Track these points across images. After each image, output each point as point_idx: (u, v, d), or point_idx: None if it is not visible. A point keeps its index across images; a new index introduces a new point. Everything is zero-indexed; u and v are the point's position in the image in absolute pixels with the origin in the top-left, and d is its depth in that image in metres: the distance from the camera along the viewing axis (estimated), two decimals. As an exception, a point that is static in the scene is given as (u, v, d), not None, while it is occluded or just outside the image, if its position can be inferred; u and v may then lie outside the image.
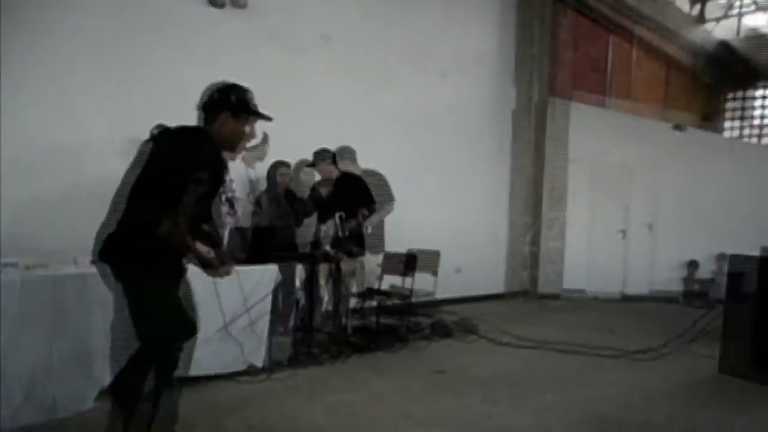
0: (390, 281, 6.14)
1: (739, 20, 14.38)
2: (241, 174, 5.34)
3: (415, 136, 7.73)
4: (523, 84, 9.14)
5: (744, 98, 14.77)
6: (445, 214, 7.99)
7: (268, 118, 3.03)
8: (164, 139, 2.99)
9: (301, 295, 5.44)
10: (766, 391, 4.64)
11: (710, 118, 14.59)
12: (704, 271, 9.92)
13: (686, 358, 5.51)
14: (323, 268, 5.34)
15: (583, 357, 5.53)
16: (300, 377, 4.48)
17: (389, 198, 5.97)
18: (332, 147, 5.87)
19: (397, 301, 5.85)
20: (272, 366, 4.54)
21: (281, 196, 5.56)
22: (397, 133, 7.49)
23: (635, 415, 4.01)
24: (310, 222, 5.80)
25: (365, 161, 6.33)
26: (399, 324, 6.02)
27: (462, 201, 8.36)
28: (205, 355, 4.13)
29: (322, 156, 5.74)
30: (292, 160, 5.82)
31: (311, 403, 3.94)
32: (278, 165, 5.63)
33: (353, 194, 5.63)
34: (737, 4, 13.98)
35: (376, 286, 5.98)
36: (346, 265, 5.42)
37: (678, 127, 10.36)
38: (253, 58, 6.06)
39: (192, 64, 5.56)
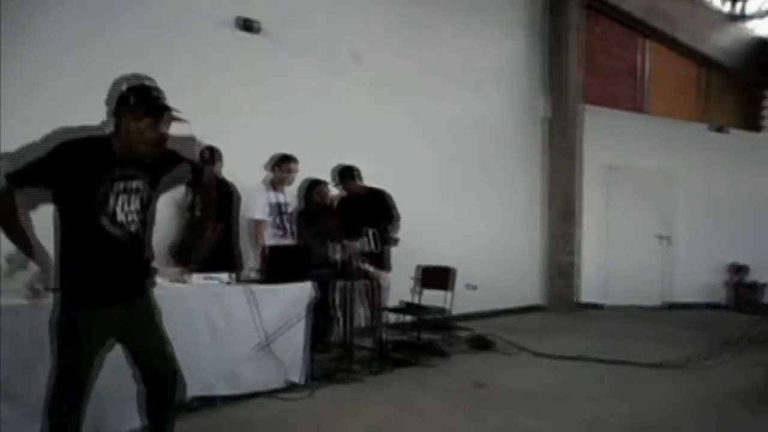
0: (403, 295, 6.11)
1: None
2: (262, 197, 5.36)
3: (448, 147, 7.72)
4: (555, 92, 9.04)
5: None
6: (479, 225, 7.95)
7: (177, 117, 2.60)
8: None
9: (338, 312, 5.45)
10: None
11: (752, 118, 14.21)
12: (753, 276, 9.60)
13: (738, 366, 5.32)
14: (359, 285, 5.32)
15: (629, 367, 5.38)
16: (341, 393, 4.47)
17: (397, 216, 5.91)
18: (359, 162, 5.88)
19: (435, 316, 5.80)
20: (313, 383, 4.54)
21: (319, 214, 5.59)
22: (429, 146, 7.49)
23: (685, 426, 3.89)
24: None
25: (396, 173, 6.37)
26: (438, 338, 5.96)
27: (496, 211, 8.29)
28: (246, 372, 4.17)
29: (350, 174, 5.72)
30: (326, 177, 5.85)
31: (353, 420, 3.92)
32: (315, 184, 5.68)
33: (379, 209, 5.65)
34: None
35: (413, 301, 5.96)
36: (384, 281, 5.42)
37: (719, 129, 10.10)
38: (283, 79, 6.15)
39: (223, 88, 5.66)
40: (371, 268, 5.35)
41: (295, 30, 6.28)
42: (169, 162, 2.78)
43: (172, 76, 5.29)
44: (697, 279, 9.46)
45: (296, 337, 4.48)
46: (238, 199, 5.08)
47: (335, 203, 5.91)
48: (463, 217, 7.73)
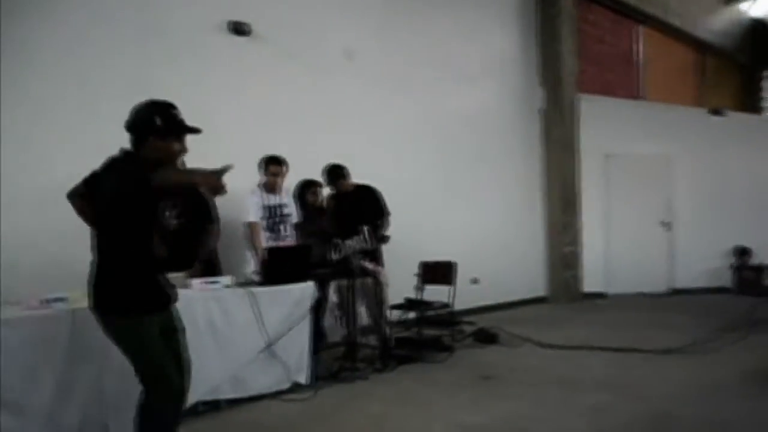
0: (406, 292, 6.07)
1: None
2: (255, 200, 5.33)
3: (446, 142, 7.73)
4: (549, 82, 9.03)
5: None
6: (480, 218, 7.95)
7: (197, 131, 2.85)
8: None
9: (338, 311, 5.46)
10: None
11: (750, 100, 14.19)
12: (757, 259, 9.57)
13: (744, 349, 5.32)
14: (361, 282, 5.32)
15: (634, 354, 5.38)
16: (346, 392, 4.48)
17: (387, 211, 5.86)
18: (357, 161, 5.86)
19: (438, 311, 5.80)
20: (317, 383, 4.55)
21: (315, 215, 5.59)
22: (427, 141, 7.50)
23: (691, 411, 3.87)
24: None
25: (396, 170, 6.36)
26: (442, 333, 5.96)
27: (495, 204, 8.30)
28: (251, 375, 4.19)
29: (341, 173, 5.71)
30: (318, 178, 5.81)
31: (359, 418, 3.92)
32: (309, 185, 5.67)
33: (370, 205, 5.64)
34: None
35: (416, 297, 5.96)
36: (383, 277, 5.42)
37: (716, 112, 10.07)
38: (276, 82, 6.15)
39: (217, 91, 5.68)
40: (371, 265, 5.35)
41: (286, 31, 6.27)
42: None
43: (164, 81, 5.36)
44: (700, 264, 9.43)
45: (300, 337, 4.50)
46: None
47: (326, 203, 5.88)
48: (463, 212, 7.73)
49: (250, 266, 5.19)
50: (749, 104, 13.95)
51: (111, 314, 2.69)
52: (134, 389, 3.60)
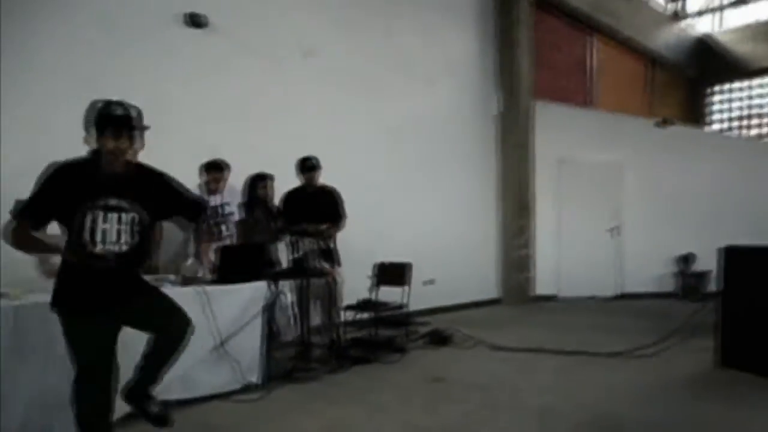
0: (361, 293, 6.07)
1: (721, 13, 14.56)
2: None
3: (402, 143, 7.76)
4: (506, 87, 9.17)
5: (731, 90, 14.88)
6: (433, 220, 8.01)
7: (133, 127, 2.84)
8: None
9: (292, 311, 5.40)
10: (765, 382, 4.62)
11: (695, 113, 14.72)
12: (700, 265, 9.92)
13: (685, 352, 5.49)
14: (314, 282, 5.27)
15: (582, 357, 5.50)
16: (298, 393, 4.44)
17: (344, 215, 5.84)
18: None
19: (393, 312, 5.80)
20: (269, 383, 4.49)
21: (260, 211, 5.51)
22: (383, 141, 7.51)
23: (636, 413, 3.98)
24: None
25: (351, 170, 6.34)
26: (396, 334, 5.97)
27: (451, 206, 8.38)
28: (200, 375, 4.10)
29: (316, 165, 5.61)
30: (275, 172, 5.72)
31: (310, 419, 3.89)
32: (259, 178, 5.54)
33: (328, 206, 5.60)
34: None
35: (370, 297, 5.96)
36: (338, 276, 5.39)
37: (663, 123, 10.41)
38: (233, 75, 6.07)
39: (173, 83, 5.56)
40: (326, 265, 5.31)
41: (243, 24, 6.21)
42: (157, 184, 3.05)
43: (119, 73, 5.23)
44: (647, 269, 9.76)
45: (252, 337, 4.43)
46: None
47: (274, 199, 5.77)
48: (418, 213, 7.78)
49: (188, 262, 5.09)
50: (693, 117, 14.48)
51: None
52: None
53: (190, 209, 3.32)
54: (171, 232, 5.00)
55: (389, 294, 5.92)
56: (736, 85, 14.68)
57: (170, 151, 5.39)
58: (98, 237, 2.78)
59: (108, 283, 2.85)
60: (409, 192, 7.77)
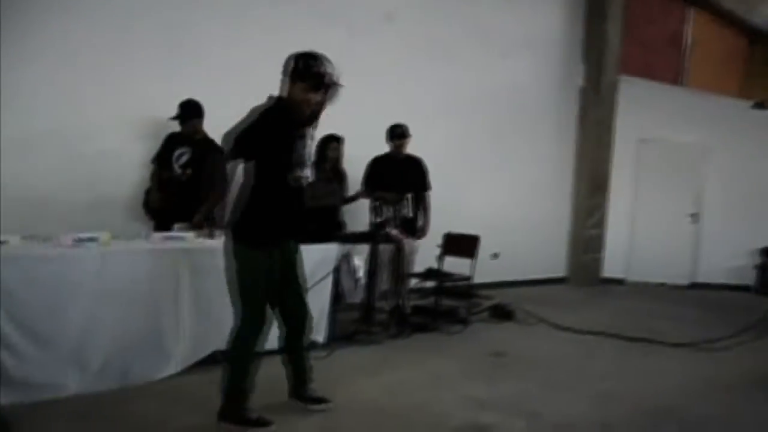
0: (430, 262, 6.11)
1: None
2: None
3: (478, 114, 7.64)
4: (592, 61, 8.83)
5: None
6: (506, 194, 7.91)
7: (333, 85, 3.15)
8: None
9: (362, 275, 5.50)
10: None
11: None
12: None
13: (757, 350, 5.30)
14: (384, 248, 5.35)
15: (646, 345, 5.40)
16: (360, 355, 4.57)
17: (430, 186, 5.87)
18: (386, 126, 5.81)
19: (457, 283, 5.84)
20: (332, 343, 4.63)
21: (329, 173, 5.58)
22: (460, 113, 7.42)
23: (697, 406, 3.91)
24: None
25: (427, 140, 6.31)
26: (459, 305, 6.01)
27: (524, 180, 8.23)
28: (270, 329, 4.25)
29: (406, 132, 5.63)
30: (349, 138, 5.76)
31: (371, 381, 4.01)
32: (330, 139, 5.55)
33: (416, 176, 5.66)
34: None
35: (437, 267, 6.00)
36: (408, 246, 5.44)
37: (760, 105, 9.77)
38: (313, 38, 6.08)
39: (250, 47, 5.65)
40: (395, 232, 5.37)
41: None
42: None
43: (200, 34, 5.37)
44: (724, 259, 9.28)
45: (320, 297, 4.55)
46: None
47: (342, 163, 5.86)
48: (490, 186, 7.70)
49: None
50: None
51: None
52: (155, 335, 3.75)
53: None
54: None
55: (455, 265, 5.95)
56: None
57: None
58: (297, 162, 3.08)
59: (291, 214, 3.22)
60: (483, 163, 7.68)
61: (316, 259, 4.52)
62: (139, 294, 3.70)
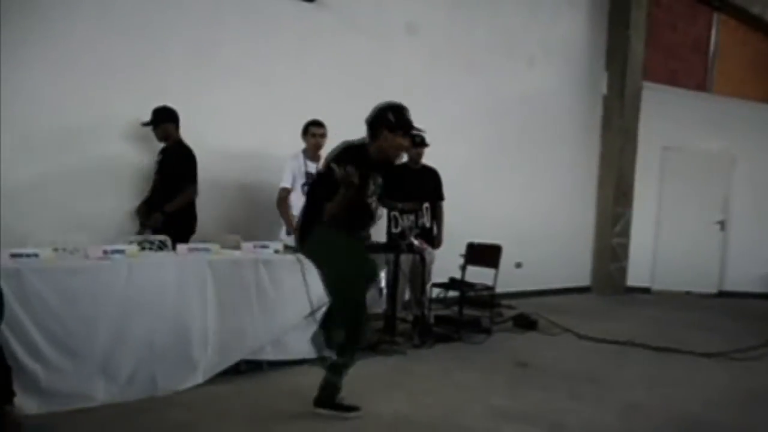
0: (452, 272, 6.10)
1: None
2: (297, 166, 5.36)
3: (500, 123, 7.63)
4: (615, 68, 8.77)
5: None
6: (530, 203, 7.88)
7: (419, 131, 3.76)
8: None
9: (384, 285, 5.51)
10: None
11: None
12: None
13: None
14: (405, 258, 5.36)
15: (674, 355, 5.32)
16: (382, 364, 4.57)
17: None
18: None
19: (480, 293, 5.82)
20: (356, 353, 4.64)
21: None
22: (483, 122, 7.42)
23: (724, 418, 3.84)
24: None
25: (450, 150, 6.33)
26: (482, 315, 5.99)
27: (547, 189, 8.19)
28: (293, 340, 4.30)
29: (425, 142, 5.63)
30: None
31: (395, 391, 4.01)
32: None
33: (432, 186, 5.71)
34: None
35: (460, 277, 5.99)
36: (429, 256, 5.44)
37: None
38: (339, 49, 6.17)
39: (281, 57, 5.74)
40: (416, 242, 5.38)
41: (354, 1, 6.31)
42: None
43: (227, 43, 5.46)
44: (753, 268, 9.13)
45: (342, 307, 4.58)
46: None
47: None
48: (513, 194, 7.68)
49: (282, 231, 5.31)
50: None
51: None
52: (181, 345, 3.80)
53: None
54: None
55: (477, 274, 5.93)
56: None
57: (276, 125, 5.66)
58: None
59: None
60: (506, 173, 7.67)
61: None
62: (166, 305, 3.75)
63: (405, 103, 6.36)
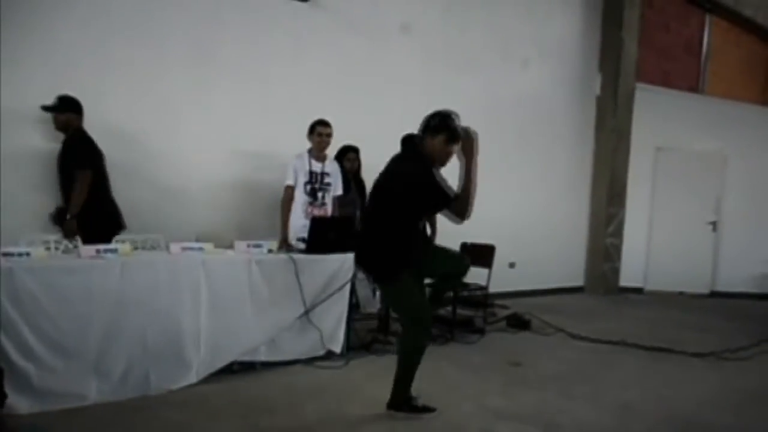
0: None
1: None
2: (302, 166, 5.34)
3: (495, 123, 7.60)
4: (609, 69, 8.80)
5: None
6: (523, 203, 7.89)
7: (467, 133, 3.70)
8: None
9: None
10: None
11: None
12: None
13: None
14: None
15: (666, 355, 5.35)
16: (376, 364, 4.57)
17: None
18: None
19: (473, 293, 5.82)
20: (349, 353, 4.65)
21: (349, 182, 5.61)
22: (476, 122, 7.34)
23: (717, 417, 3.85)
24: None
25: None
26: (475, 315, 5.99)
27: (541, 190, 8.22)
28: (286, 340, 4.30)
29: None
30: (370, 149, 5.80)
31: (387, 391, 3.98)
32: (347, 150, 5.63)
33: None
34: None
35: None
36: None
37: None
38: (334, 49, 6.17)
39: (276, 57, 5.74)
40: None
41: (346, 0, 6.28)
42: None
43: (222, 43, 5.46)
44: (744, 268, 9.19)
45: (337, 307, 4.59)
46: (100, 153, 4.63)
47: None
48: (506, 194, 7.67)
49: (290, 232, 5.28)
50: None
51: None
52: (174, 345, 3.79)
53: None
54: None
55: (471, 274, 5.90)
56: None
57: (274, 125, 5.66)
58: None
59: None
60: (500, 173, 7.64)
61: (333, 268, 4.57)
62: (159, 304, 3.74)
63: (400, 103, 6.48)
